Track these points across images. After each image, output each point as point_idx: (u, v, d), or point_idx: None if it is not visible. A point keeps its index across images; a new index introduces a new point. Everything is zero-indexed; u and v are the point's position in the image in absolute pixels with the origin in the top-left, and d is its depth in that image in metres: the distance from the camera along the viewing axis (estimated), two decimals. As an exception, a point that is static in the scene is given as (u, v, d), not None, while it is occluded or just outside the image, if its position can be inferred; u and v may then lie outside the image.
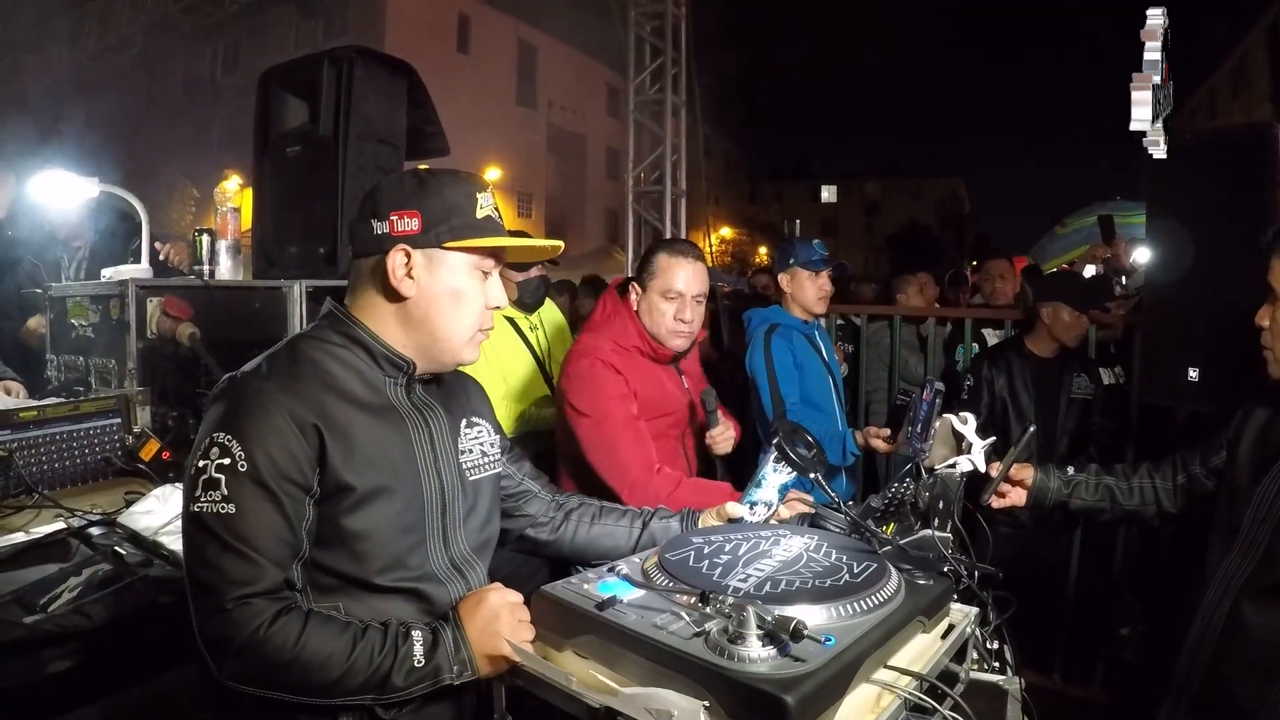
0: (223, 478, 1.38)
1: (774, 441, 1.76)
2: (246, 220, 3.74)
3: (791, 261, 3.56)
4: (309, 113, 3.48)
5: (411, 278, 1.52)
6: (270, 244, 3.58)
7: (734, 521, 1.82)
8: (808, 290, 3.55)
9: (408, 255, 1.52)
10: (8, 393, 3.01)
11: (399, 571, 1.51)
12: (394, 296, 1.54)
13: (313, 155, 3.41)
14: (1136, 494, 2.26)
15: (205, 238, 3.34)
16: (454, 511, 1.61)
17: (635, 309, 2.73)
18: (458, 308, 1.56)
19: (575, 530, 1.89)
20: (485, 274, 1.59)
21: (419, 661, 1.38)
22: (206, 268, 3.33)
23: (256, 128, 3.67)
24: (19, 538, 2.16)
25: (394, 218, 1.51)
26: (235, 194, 3.57)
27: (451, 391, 1.73)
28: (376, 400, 1.55)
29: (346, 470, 1.45)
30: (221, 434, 1.40)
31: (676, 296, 2.66)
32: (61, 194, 3.40)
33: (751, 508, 1.84)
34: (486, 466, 1.73)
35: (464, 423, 1.71)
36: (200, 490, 1.39)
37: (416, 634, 1.40)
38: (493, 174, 24.96)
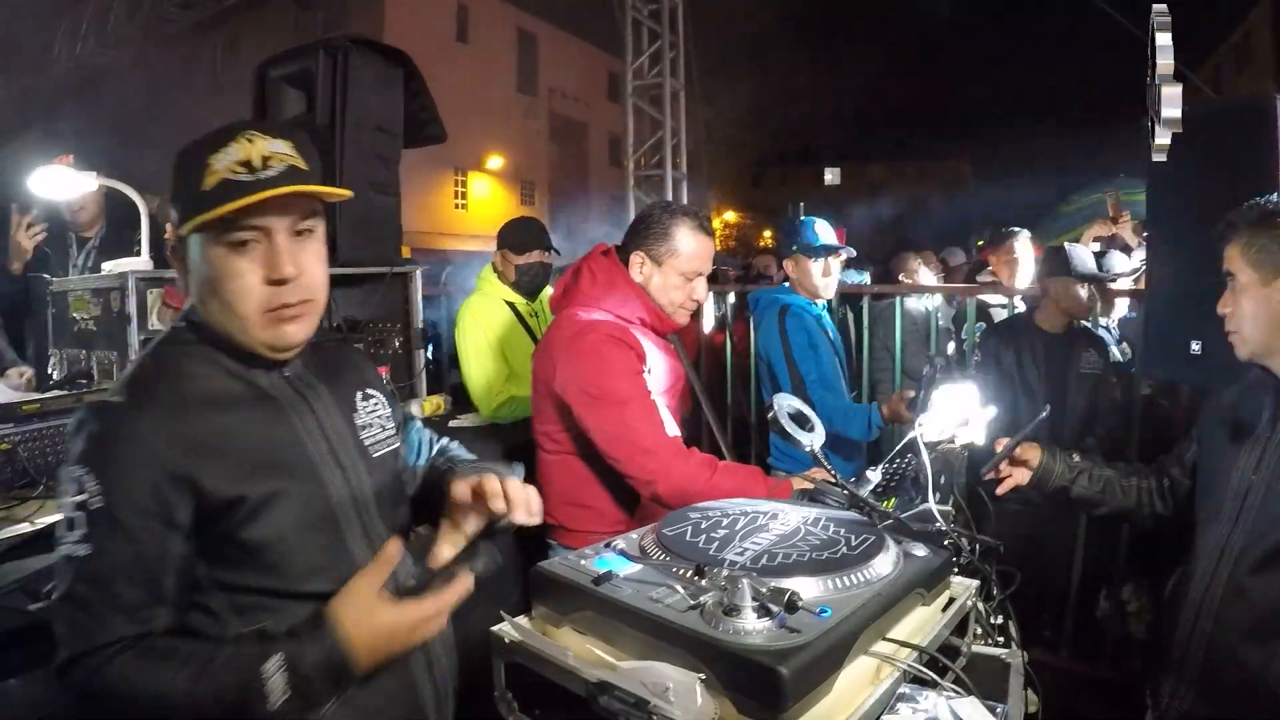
0: (78, 516, 1.25)
1: (769, 415, 1.74)
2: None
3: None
4: (306, 103, 3.47)
5: (187, 273, 1.40)
6: (269, 233, 3.57)
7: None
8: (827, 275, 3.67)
9: (174, 251, 1.41)
10: (20, 376, 3.02)
11: (322, 575, 1.39)
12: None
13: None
14: (1132, 493, 2.25)
15: None
16: (364, 495, 1.49)
17: (642, 281, 2.50)
18: (223, 292, 1.35)
19: None
20: (243, 244, 1.33)
21: (282, 695, 1.24)
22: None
23: (254, 119, 3.66)
24: (24, 528, 2.18)
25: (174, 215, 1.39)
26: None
27: (335, 367, 1.57)
28: (248, 394, 1.41)
29: (228, 483, 1.31)
30: (77, 468, 1.27)
31: (695, 276, 2.51)
32: (60, 189, 3.40)
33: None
34: (388, 441, 1.59)
35: (359, 395, 1.57)
36: (62, 530, 1.27)
37: (271, 671, 1.24)
38: (495, 163, 24.97)
